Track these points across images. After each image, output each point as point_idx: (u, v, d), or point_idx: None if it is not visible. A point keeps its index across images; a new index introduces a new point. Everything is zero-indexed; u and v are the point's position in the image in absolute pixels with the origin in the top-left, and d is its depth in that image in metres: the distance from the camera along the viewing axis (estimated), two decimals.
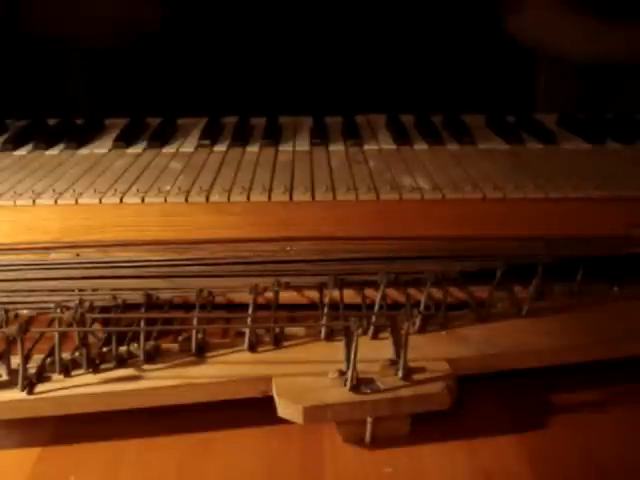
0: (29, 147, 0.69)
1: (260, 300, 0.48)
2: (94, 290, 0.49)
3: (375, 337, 0.45)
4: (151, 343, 0.44)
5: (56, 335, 0.42)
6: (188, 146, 0.68)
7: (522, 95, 1.00)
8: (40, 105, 0.92)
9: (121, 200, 0.54)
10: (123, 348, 0.43)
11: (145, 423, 0.42)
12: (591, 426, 0.42)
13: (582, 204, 0.53)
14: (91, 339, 0.44)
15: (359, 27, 0.98)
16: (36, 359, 0.43)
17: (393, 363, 0.42)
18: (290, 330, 0.46)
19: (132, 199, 0.54)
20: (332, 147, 0.67)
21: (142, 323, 0.44)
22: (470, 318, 0.47)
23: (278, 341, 0.45)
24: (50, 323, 0.46)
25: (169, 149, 0.68)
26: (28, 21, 0.89)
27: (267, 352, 0.44)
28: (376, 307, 0.47)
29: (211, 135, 0.70)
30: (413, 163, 0.62)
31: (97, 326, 0.47)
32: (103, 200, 0.54)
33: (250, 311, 0.46)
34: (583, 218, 0.53)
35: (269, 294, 0.49)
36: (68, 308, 0.45)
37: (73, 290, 0.49)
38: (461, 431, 0.41)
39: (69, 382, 0.41)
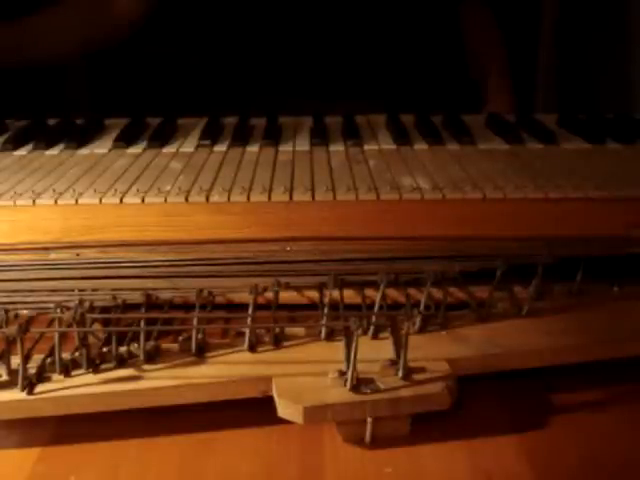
0: (29, 147, 0.69)
1: (260, 300, 0.48)
2: (94, 290, 0.49)
3: (375, 337, 0.45)
4: (151, 343, 0.44)
5: (56, 335, 0.42)
6: (188, 146, 0.68)
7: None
8: (40, 105, 0.92)
9: (121, 200, 0.54)
10: (123, 348, 0.43)
11: (145, 423, 0.42)
12: (591, 426, 0.42)
13: (582, 204, 0.53)
14: (91, 339, 0.44)
15: (359, 27, 0.99)
16: (36, 359, 0.43)
17: (393, 363, 0.42)
18: (290, 330, 0.46)
19: (132, 199, 0.54)
20: (332, 147, 0.67)
21: (142, 323, 0.44)
22: (470, 318, 0.47)
23: (278, 341, 0.45)
24: (50, 323, 0.46)
25: (169, 149, 0.67)
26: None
27: (267, 352, 0.44)
28: (376, 307, 0.47)
29: (211, 135, 0.70)
30: (413, 163, 0.62)
31: (97, 326, 0.47)
32: (103, 200, 0.53)
33: (250, 311, 0.46)
34: (583, 218, 0.53)
35: (269, 294, 0.49)
36: (68, 308, 0.45)
37: (73, 290, 0.49)
38: (461, 431, 0.41)
39: (69, 382, 0.41)
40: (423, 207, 0.53)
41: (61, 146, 0.69)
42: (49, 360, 0.42)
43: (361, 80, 0.99)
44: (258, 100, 0.84)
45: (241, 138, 0.70)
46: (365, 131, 0.73)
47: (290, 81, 0.95)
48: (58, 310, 0.45)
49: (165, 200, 0.54)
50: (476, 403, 0.43)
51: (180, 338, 0.44)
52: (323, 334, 0.45)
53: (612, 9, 1.08)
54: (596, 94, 1.10)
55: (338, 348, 0.43)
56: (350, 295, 0.49)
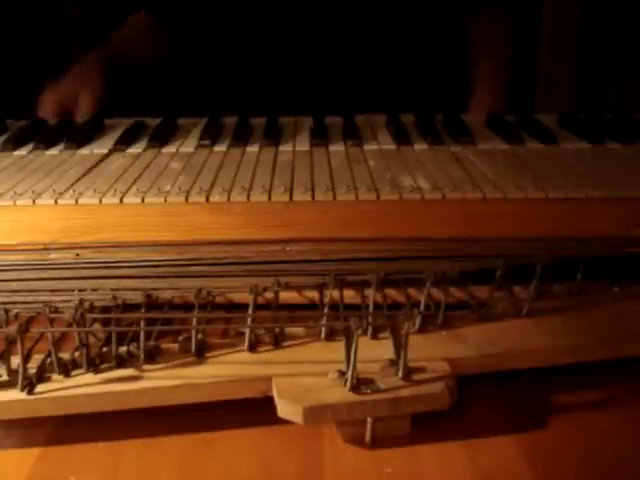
0: (29, 147, 0.69)
1: (260, 300, 0.48)
2: (94, 290, 0.49)
3: (375, 337, 0.45)
4: (151, 343, 0.44)
5: (49, 335, 0.42)
6: (188, 146, 0.68)
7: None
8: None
9: (121, 200, 0.54)
10: (123, 348, 0.44)
11: (145, 423, 0.42)
12: (591, 426, 0.42)
13: (582, 204, 0.53)
14: (91, 339, 0.44)
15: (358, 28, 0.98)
16: (36, 359, 0.43)
17: (393, 363, 0.42)
18: (290, 330, 0.46)
19: (132, 199, 0.54)
20: (332, 147, 0.67)
21: (142, 323, 0.44)
22: (470, 318, 0.47)
23: (278, 341, 0.45)
24: (50, 323, 0.46)
25: (169, 149, 0.67)
26: None
27: (267, 352, 0.44)
28: (370, 306, 0.47)
29: (211, 135, 0.70)
30: (413, 163, 0.62)
31: (97, 326, 0.47)
32: (103, 200, 0.53)
33: (250, 311, 0.46)
34: (583, 218, 0.53)
35: (269, 294, 0.49)
36: (68, 308, 0.45)
37: (73, 290, 0.49)
38: (461, 431, 0.41)
39: (69, 382, 0.41)
40: (423, 207, 0.53)
41: (61, 146, 0.69)
42: (49, 360, 0.42)
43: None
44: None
45: (241, 138, 0.70)
46: (365, 131, 0.73)
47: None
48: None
49: (165, 200, 0.54)
50: (476, 403, 0.43)
51: (180, 338, 0.44)
52: (323, 334, 0.45)
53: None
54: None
55: (338, 348, 0.43)
56: (350, 295, 0.49)
